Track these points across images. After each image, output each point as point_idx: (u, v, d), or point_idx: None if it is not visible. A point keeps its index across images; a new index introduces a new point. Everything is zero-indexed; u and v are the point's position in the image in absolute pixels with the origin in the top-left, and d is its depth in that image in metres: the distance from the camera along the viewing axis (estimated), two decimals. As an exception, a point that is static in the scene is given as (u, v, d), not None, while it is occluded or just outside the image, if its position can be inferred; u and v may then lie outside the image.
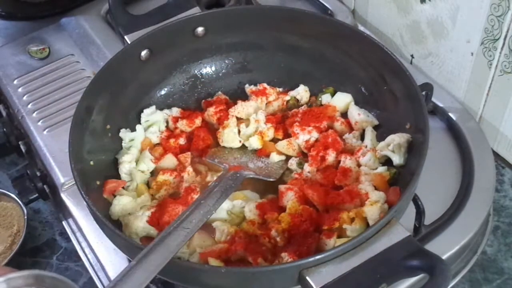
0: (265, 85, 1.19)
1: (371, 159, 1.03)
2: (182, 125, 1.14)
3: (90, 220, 0.99)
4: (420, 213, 0.95)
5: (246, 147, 1.12)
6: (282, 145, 1.11)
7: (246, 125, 1.13)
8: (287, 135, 1.13)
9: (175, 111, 1.17)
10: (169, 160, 1.09)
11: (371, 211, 0.93)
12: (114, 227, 0.89)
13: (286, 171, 1.09)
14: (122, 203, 1.00)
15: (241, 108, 1.14)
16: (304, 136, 1.09)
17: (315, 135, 1.09)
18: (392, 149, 1.02)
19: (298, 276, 0.81)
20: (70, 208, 1.12)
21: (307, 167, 1.06)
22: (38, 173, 1.18)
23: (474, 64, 1.14)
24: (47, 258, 1.17)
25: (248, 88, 1.20)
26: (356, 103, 1.14)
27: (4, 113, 1.36)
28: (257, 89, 1.19)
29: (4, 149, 1.30)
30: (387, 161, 1.04)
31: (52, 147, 1.20)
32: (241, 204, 1.01)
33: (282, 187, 1.03)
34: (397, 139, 1.01)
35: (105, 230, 0.92)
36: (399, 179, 1.00)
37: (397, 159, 1.01)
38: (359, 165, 1.04)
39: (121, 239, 0.89)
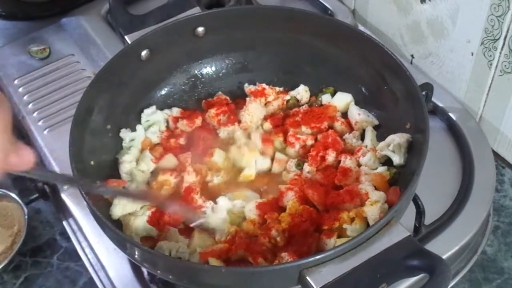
0: (263, 85, 1.19)
1: (371, 159, 1.03)
2: (182, 125, 1.14)
3: (90, 220, 0.99)
4: (420, 213, 0.95)
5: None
6: (280, 157, 1.09)
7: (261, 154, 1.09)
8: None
9: (175, 111, 1.17)
10: (169, 160, 1.09)
11: (371, 211, 0.94)
12: (115, 227, 0.89)
13: (286, 171, 1.09)
14: (122, 203, 1.00)
15: (248, 117, 1.13)
16: (299, 143, 1.09)
17: (310, 142, 1.09)
18: (392, 149, 1.02)
19: (298, 276, 0.81)
20: (71, 208, 1.12)
21: (307, 167, 1.05)
22: (38, 173, 1.18)
23: (474, 64, 1.14)
24: (48, 258, 1.17)
25: (247, 88, 1.20)
26: (356, 103, 1.14)
27: (4, 113, 1.36)
28: (256, 89, 1.19)
29: (4, 149, 1.30)
30: (387, 161, 1.04)
31: (53, 147, 1.20)
32: (241, 204, 1.01)
33: (282, 187, 1.03)
34: (397, 139, 1.01)
35: (105, 230, 0.92)
36: (399, 179, 1.00)
37: (397, 159, 1.01)
38: (359, 165, 1.04)
39: (122, 239, 0.89)
